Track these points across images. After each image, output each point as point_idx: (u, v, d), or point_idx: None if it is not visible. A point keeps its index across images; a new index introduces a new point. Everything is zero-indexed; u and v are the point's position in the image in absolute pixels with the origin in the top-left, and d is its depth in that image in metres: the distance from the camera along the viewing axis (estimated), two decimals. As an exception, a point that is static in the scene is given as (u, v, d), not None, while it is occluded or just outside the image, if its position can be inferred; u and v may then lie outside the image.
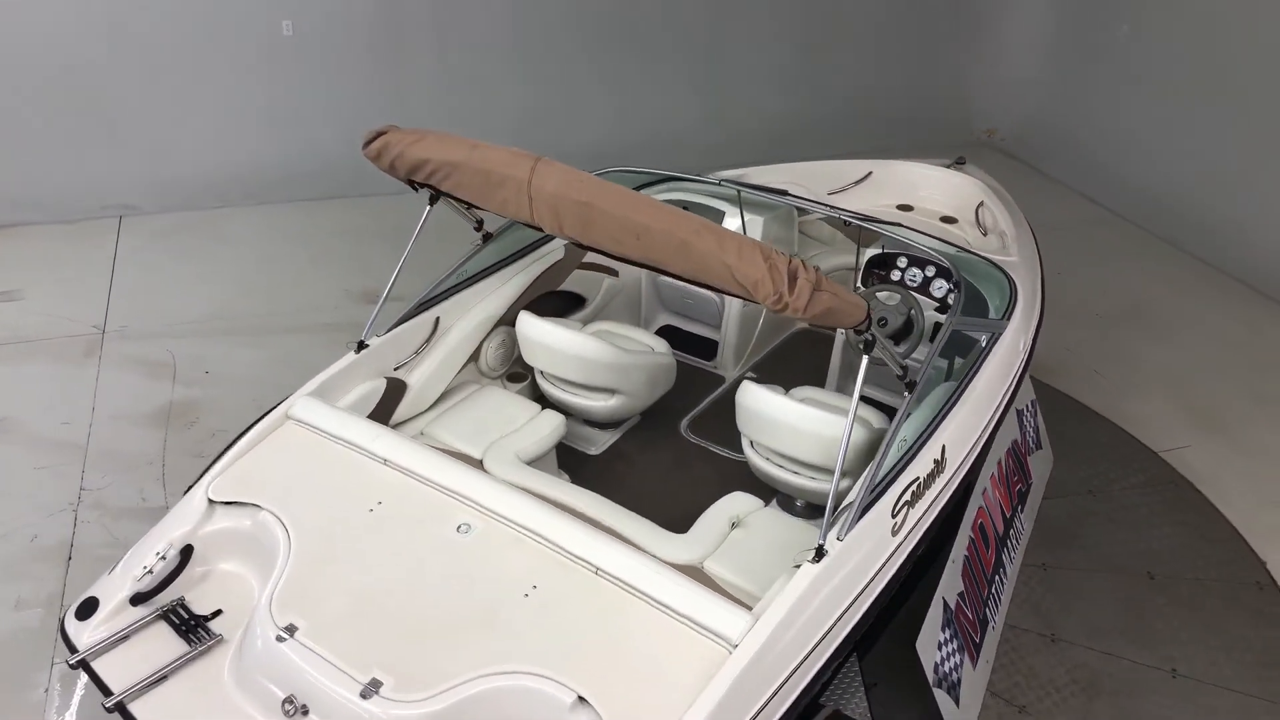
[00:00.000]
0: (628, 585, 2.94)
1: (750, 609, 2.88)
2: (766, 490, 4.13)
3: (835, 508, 3.08)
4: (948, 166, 5.55)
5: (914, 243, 4.34)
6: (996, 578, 4.31)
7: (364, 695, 2.69)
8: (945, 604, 3.75)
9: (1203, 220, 8.00)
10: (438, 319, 4.17)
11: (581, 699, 2.67)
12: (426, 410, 4.18)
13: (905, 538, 3.37)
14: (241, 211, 7.89)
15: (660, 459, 4.61)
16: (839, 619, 3.06)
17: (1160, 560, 4.83)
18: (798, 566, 3.01)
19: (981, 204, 5.28)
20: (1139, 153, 8.59)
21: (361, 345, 3.87)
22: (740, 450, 4.30)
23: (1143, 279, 7.69)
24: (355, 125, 7.96)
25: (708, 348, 5.28)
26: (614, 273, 5.16)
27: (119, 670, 2.97)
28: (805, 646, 2.93)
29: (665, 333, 5.39)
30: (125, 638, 3.06)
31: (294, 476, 3.38)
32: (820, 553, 2.99)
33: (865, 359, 3.15)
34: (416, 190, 3.74)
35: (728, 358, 5.26)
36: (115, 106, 7.41)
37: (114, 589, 3.16)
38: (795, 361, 5.45)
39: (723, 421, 4.80)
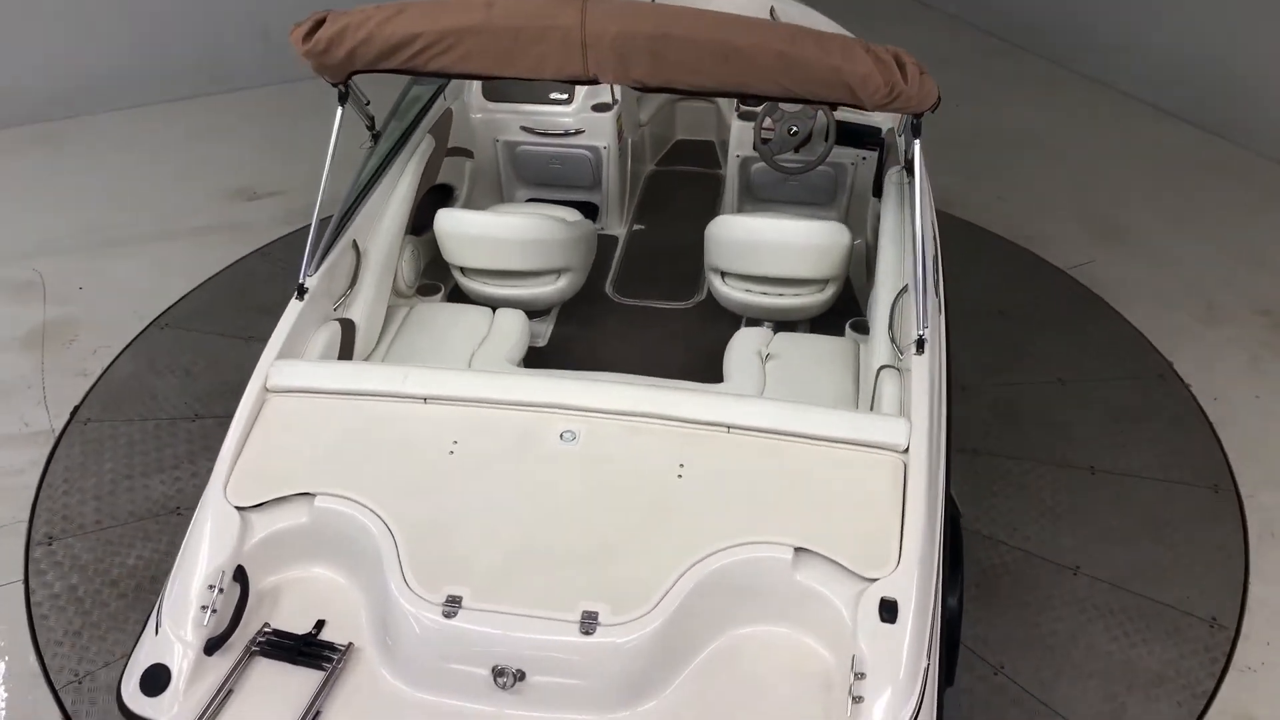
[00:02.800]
0: (769, 431, 2.84)
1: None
2: (731, 321, 4.19)
3: (909, 302, 3.14)
4: None
5: None
6: None
7: (585, 632, 2.45)
8: None
9: (1095, 41, 7.95)
10: (355, 242, 3.77)
11: (799, 549, 2.59)
12: (375, 346, 3.82)
13: (944, 315, 3.45)
14: (95, 120, 7.32)
15: (609, 329, 4.46)
16: (946, 400, 3.11)
17: (1002, 295, 5.55)
18: (889, 368, 3.10)
19: (772, 8, 5.20)
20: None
21: (302, 291, 3.41)
22: (674, 298, 4.39)
23: (1039, 104, 7.67)
24: (205, 19, 7.54)
25: (582, 211, 5.10)
26: (470, 154, 4.88)
27: None
28: (943, 434, 2.98)
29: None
30: (230, 690, 2.56)
31: (325, 449, 2.92)
32: (921, 343, 3.01)
33: (918, 143, 3.11)
34: (341, 89, 3.37)
35: (612, 213, 5.12)
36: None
37: (177, 646, 2.60)
38: (673, 203, 5.37)
39: (643, 275, 4.75)
